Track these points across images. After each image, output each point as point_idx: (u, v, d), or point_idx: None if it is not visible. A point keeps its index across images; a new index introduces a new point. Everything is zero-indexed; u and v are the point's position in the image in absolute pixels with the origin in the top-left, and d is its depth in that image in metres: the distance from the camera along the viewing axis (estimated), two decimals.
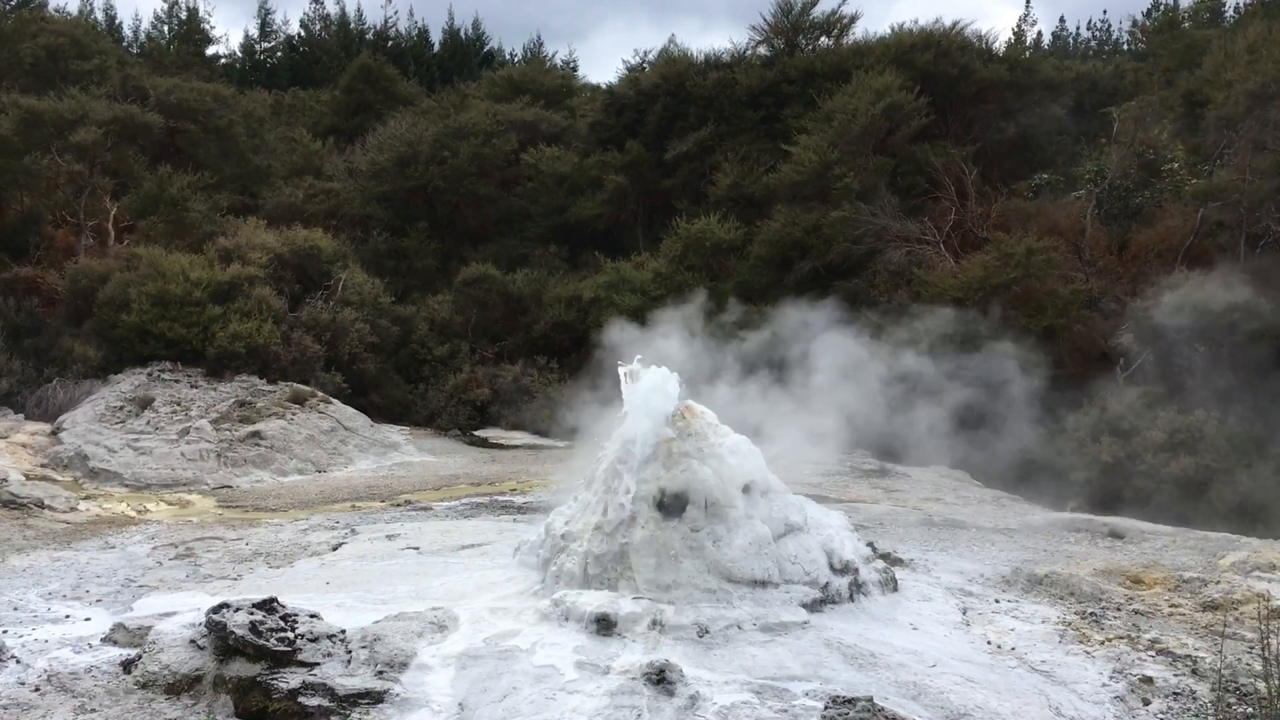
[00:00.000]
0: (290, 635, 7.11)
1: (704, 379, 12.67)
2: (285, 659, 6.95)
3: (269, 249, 21.89)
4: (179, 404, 17.56)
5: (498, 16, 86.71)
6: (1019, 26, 44.18)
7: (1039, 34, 47.32)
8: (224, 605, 7.30)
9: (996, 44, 27.88)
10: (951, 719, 6.67)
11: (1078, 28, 47.78)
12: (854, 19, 28.52)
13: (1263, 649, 5.64)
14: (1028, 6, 71.82)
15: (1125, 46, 45.14)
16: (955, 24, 26.25)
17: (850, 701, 6.55)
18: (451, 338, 23.45)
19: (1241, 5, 37.87)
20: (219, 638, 7.03)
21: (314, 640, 7.16)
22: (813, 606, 8.28)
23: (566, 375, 21.48)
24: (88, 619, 8.26)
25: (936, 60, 24.79)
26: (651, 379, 9.13)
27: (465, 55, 49.15)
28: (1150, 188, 20.88)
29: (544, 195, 27.70)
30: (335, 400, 18.93)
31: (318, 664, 6.98)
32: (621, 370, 9.48)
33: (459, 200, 27.92)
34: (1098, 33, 51.25)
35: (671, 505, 8.46)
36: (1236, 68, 19.90)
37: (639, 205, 26.93)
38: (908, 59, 24.72)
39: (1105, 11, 79.49)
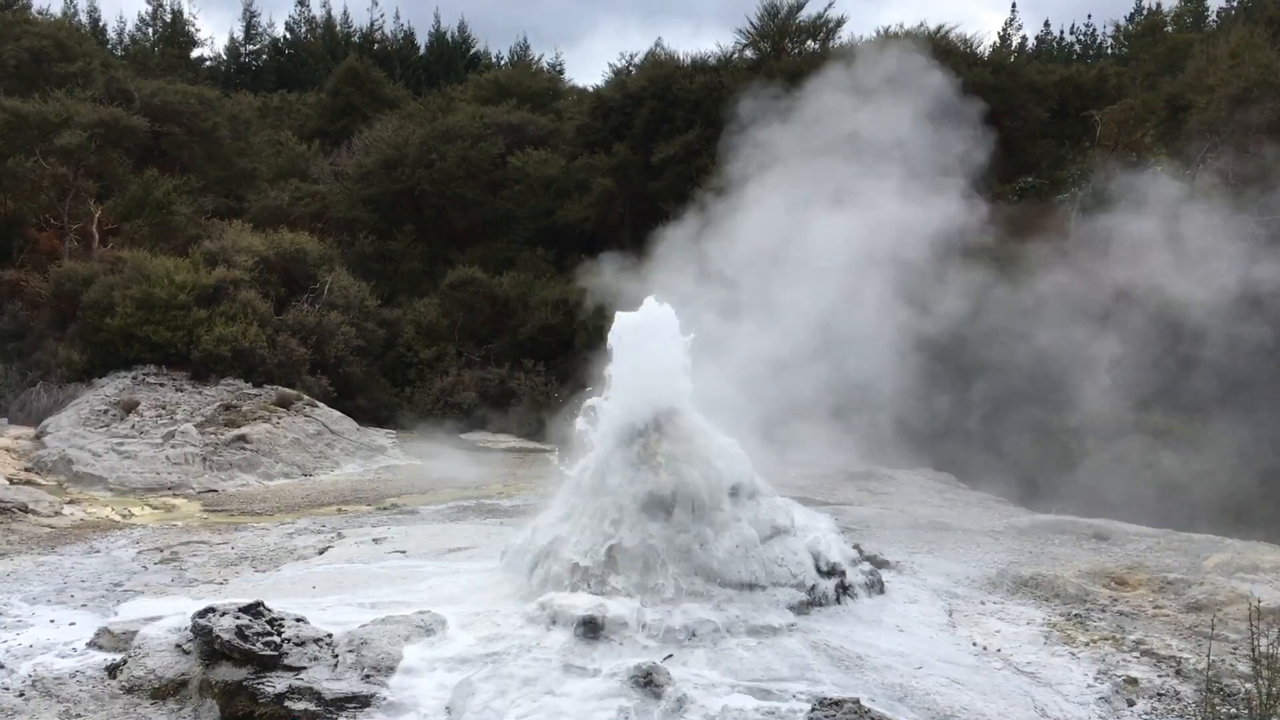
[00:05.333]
0: (276, 639, 7.09)
1: None
2: (271, 663, 6.92)
3: (255, 252, 21.83)
4: (164, 407, 17.49)
5: (487, 19, 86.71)
6: (1004, 30, 44.42)
7: (1024, 38, 47.55)
8: (209, 609, 7.27)
9: (981, 48, 28.03)
10: None
11: (1061, 32, 48.00)
12: (840, 23, 28.54)
13: (1252, 649, 5.67)
14: (1013, 11, 72.09)
15: (1109, 50, 45.42)
16: (940, 28, 26.40)
17: (837, 703, 6.57)
18: (438, 341, 23.43)
19: (1223, 10, 38.18)
20: (205, 642, 7.01)
21: (300, 644, 7.14)
22: (799, 609, 8.30)
23: (553, 378, 21.48)
24: (72, 623, 8.21)
25: None
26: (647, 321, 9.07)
27: (451, 58, 49.11)
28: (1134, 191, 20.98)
29: (531, 198, 27.68)
30: (321, 404, 18.89)
31: (304, 668, 6.96)
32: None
33: (445, 203, 27.88)
34: (1082, 37, 51.52)
35: (658, 508, 8.47)
36: (1218, 72, 20.05)
37: (626, 208, 26.90)
38: None
39: (1090, 16, 79.82)
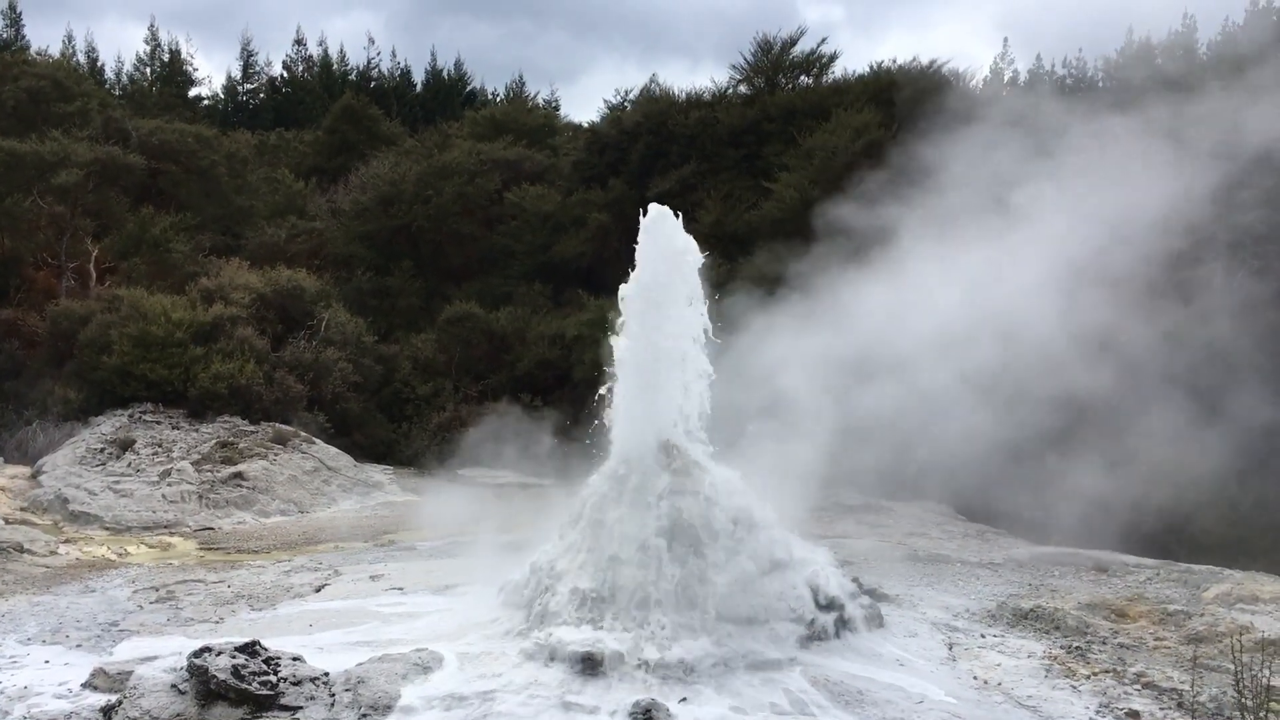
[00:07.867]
0: (273, 678, 7.05)
1: None
2: (268, 703, 6.88)
3: (251, 289, 21.90)
4: (160, 445, 17.45)
5: (483, 57, 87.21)
6: (996, 64, 44.72)
7: (1015, 71, 47.83)
8: (205, 649, 7.23)
9: (974, 81, 28.21)
10: None
11: (1053, 65, 48.40)
12: (833, 58, 28.81)
13: (1236, 681, 5.66)
14: (1005, 45, 72.68)
15: (1100, 84, 45.67)
16: (932, 62, 26.60)
17: None
18: (435, 376, 23.43)
19: (1213, 42, 38.52)
20: (200, 682, 6.96)
21: (297, 683, 7.09)
22: (799, 643, 8.26)
23: (551, 413, 21.43)
24: (67, 664, 8.16)
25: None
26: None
27: (448, 95, 49.38)
28: None
29: (527, 233, 27.78)
30: (318, 440, 18.85)
31: (301, 707, 6.91)
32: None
33: (442, 239, 27.99)
34: (1073, 70, 51.83)
35: (657, 543, 8.44)
36: (1209, 104, 20.16)
37: (622, 243, 26.87)
38: (886, 97, 24.99)
39: (1080, 49, 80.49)
